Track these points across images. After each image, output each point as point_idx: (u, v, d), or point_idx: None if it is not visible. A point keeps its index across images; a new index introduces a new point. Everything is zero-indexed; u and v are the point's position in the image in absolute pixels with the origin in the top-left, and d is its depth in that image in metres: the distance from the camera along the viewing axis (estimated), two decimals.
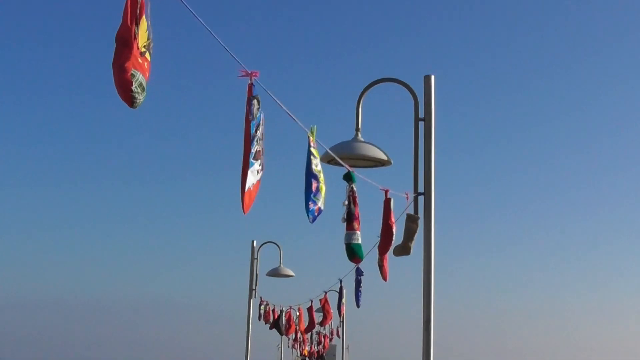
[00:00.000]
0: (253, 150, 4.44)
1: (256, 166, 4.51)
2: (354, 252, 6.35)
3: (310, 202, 5.56)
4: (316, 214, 5.63)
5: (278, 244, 17.34)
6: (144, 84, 3.38)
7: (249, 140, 4.42)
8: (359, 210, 6.31)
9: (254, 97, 4.45)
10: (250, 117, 4.41)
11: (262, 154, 4.59)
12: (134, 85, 3.31)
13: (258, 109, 4.47)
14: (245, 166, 4.42)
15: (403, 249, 7.26)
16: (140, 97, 3.36)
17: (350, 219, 6.28)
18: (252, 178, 4.47)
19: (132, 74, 3.31)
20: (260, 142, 4.53)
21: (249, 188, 4.40)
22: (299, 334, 35.91)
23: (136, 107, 3.35)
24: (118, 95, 3.31)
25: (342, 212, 6.33)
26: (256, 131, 4.46)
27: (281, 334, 22.42)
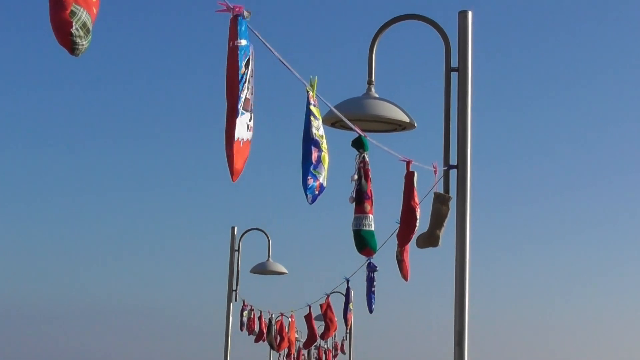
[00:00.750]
0: (242, 96, 4.43)
1: (246, 119, 4.50)
2: (364, 242, 6.35)
3: (309, 177, 5.57)
4: (317, 192, 5.64)
5: (266, 232, 17.42)
6: (89, 24, 3.31)
7: (235, 79, 4.41)
8: (372, 188, 6.31)
9: (240, 18, 4.40)
10: (238, 50, 4.39)
11: (252, 108, 4.59)
12: (74, 27, 3.24)
13: (246, 45, 4.46)
14: (232, 114, 4.41)
15: (429, 239, 7.30)
16: (83, 42, 3.28)
17: (360, 198, 6.27)
18: (243, 131, 4.46)
19: (72, 11, 3.24)
20: (250, 87, 4.52)
21: (238, 139, 4.37)
22: (294, 349, 36.15)
23: (78, 54, 3.25)
24: (55, 38, 3.23)
25: (351, 189, 6.34)
26: (245, 70, 4.45)
27: (273, 348, 22.55)
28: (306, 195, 5.52)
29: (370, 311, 13.16)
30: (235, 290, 16.74)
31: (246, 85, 4.46)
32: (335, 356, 38.96)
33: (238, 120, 4.39)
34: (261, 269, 17.32)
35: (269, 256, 17.37)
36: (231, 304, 16.78)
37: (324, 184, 5.69)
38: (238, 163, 4.35)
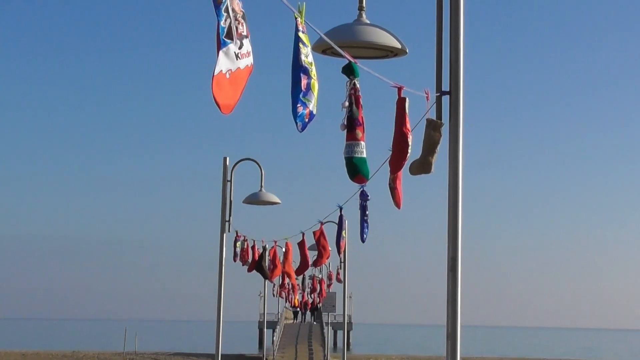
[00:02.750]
0: (224, 26, 4.37)
1: (233, 48, 4.44)
2: (356, 169, 6.32)
3: (298, 105, 5.53)
4: (306, 119, 5.61)
5: (258, 162, 17.40)
6: None
7: (215, 8, 4.35)
8: (363, 115, 6.27)
9: None
10: None
11: (242, 33, 4.52)
12: None
13: None
14: (217, 44, 4.36)
15: (422, 166, 7.28)
16: None
17: (351, 125, 6.24)
18: (228, 62, 4.41)
19: None
20: (234, 15, 4.45)
21: (221, 72, 4.33)
22: (287, 279, 36.43)
23: None
24: None
25: (342, 116, 6.30)
26: None
27: (265, 277, 22.69)
28: (296, 123, 5.50)
29: (363, 240, 13.21)
30: (229, 221, 16.73)
31: (227, 13, 4.39)
32: (329, 285, 39.27)
33: (221, 52, 4.35)
34: (254, 199, 17.34)
35: (261, 186, 17.38)
36: (224, 235, 16.78)
37: (314, 112, 5.66)
38: (221, 97, 4.31)
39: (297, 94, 5.49)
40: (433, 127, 7.17)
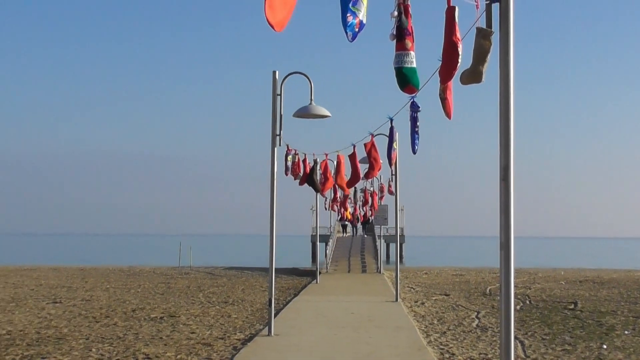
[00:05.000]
0: None
1: None
2: (406, 79, 6.33)
3: (348, 14, 5.52)
4: (357, 29, 5.60)
5: (307, 75, 17.36)
6: None
7: None
8: (412, 24, 6.24)
9: None
10: None
11: None
12: None
13: None
14: None
15: (472, 75, 7.25)
16: None
17: (401, 35, 6.22)
18: None
19: None
20: None
21: None
22: (338, 193, 36.58)
23: None
24: None
25: (391, 26, 6.27)
26: None
27: (316, 190, 22.83)
28: (346, 32, 5.48)
29: (414, 152, 13.22)
30: (279, 135, 16.79)
31: None
32: (381, 198, 39.42)
33: None
34: (304, 113, 17.37)
35: (311, 99, 17.39)
36: (275, 149, 16.87)
37: (364, 21, 5.64)
38: (273, 16, 4.31)
39: (347, 3, 5.47)
40: (483, 36, 7.11)
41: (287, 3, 4.48)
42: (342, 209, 43.04)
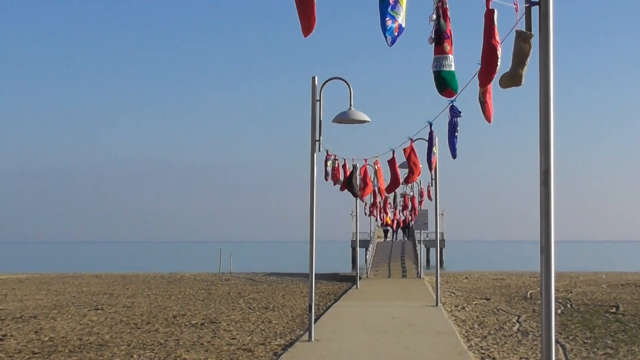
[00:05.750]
0: None
1: None
2: (445, 83, 6.32)
3: (387, 18, 5.52)
4: (396, 33, 5.60)
5: (346, 80, 17.39)
6: None
7: None
8: (451, 27, 6.23)
9: None
10: None
11: None
12: None
13: None
14: None
15: (512, 79, 7.22)
16: None
17: (439, 39, 6.21)
18: None
19: None
20: None
21: None
22: (378, 197, 36.53)
23: None
24: None
25: (430, 30, 6.26)
26: None
27: (355, 195, 22.83)
28: (385, 37, 5.48)
29: (454, 156, 13.17)
30: (319, 141, 16.82)
31: None
32: (421, 202, 39.32)
33: None
34: (343, 118, 17.40)
35: (350, 104, 17.41)
36: (315, 154, 16.90)
37: (403, 25, 5.63)
38: (304, 19, 4.32)
39: (386, 7, 5.47)
40: (523, 39, 7.08)
41: (304, 8, 4.49)
42: (382, 214, 42.96)
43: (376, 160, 21.80)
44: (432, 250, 78.54)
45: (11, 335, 18.75)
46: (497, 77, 7.43)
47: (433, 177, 25.55)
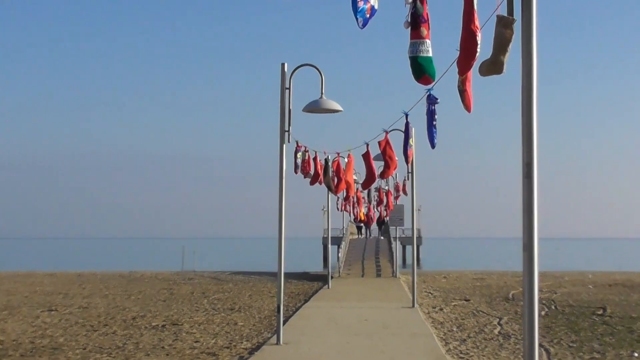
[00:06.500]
0: None
1: None
2: (422, 69, 6.30)
3: (359, 0, 5.49)
4: (367, 15, 5.58)
5: (318, 67, 17.36)
6: None
7: None
8: (428, 11, 6.20)
9: None
10: None
11: None
12: None
13: None
14: None
15: (493, 66, 7.22)
16: None
17: (416, 22, 6.18)
18: None
19: None
20: None
21: None
22: (352, 192, 36.56)
23: None
24: None
25: (406, 13, 6.24)
26: None
27: (330, 190, 22.84)
28: (356, 18, 5.45)
29: (432, 146, 13.19)
30: (288, 131, 16.81)
31: None
32: (397, 197, 39.39)
33: None
34: (314, 107, 17.36)
35: (322, 93, 17.37)
36: (284, 146, 16.88)
37: (376, 6, 5.60)
38: None
39: None
40: (504, 24, 7.08)
41: None
42: (356, 210, 42.98)
43: (349, 154, 21.79)
44: (409, 248, 78.72)
45: None
46: (477, 65, 7.43)
47: (409, 171, 25.60)
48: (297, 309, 24.42)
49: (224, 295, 31.11)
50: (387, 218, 50.63)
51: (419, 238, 74.02)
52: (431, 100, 12.54)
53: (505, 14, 7.12)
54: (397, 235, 46.78)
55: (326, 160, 22.49)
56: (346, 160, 22.43)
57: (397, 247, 46.32)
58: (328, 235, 39.22)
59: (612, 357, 15.92)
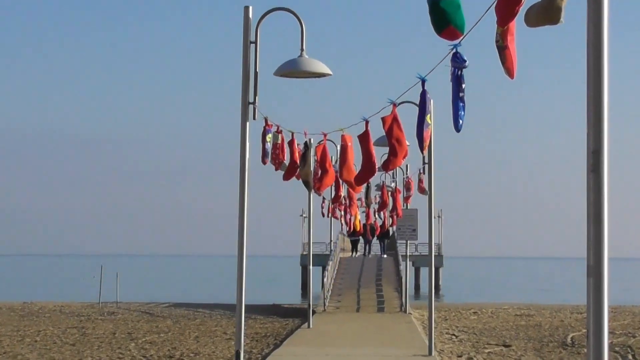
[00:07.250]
0: None
1: None
2: (446, 18, 6.32)
3: None
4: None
5: (295, 12, 17.36)
6: None
7: None
8: None
9: None
10: None
11: None
12: None
13: None
14: None
15: (546, 12, 7.26)
16: None
17: None
18: None
19: None
20: None
21: None
22: (342, 191, 36.55)
23: None
24: None
25: None
26: None
27: (309, 187, 22.86)
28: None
29: (457, 129, 13.20)
30: (253, 104, 16.75)
31: None
32: (407, 199, 39.24)
33: None
34: (291, 70, 17.33)
35: (302, 49, 17.34)
36: (247, 124, 16.80)
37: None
38: None
39: None
40: None
41: None
42: (349, 216, 42.97)
43: (343, 135, 21.68)
44: (424, 271, 78.87)
45: None
46: (523, 10, 7.48)
47: (426, 162, 25.64)
48: (264, 358, 24.48)
49: (159, 337, 31.17)
50: (394, 228, 50.67)
51: (439, 257, 74.26)
52: (458, 62, 12.51)
53: None
54: (408, 253, 46.85)
55: (306, 145, 22.45)
56: (338, 146, 22.42)
57: (407, 269, 46.42)
58: (309, 252, 39.15)
59: None
